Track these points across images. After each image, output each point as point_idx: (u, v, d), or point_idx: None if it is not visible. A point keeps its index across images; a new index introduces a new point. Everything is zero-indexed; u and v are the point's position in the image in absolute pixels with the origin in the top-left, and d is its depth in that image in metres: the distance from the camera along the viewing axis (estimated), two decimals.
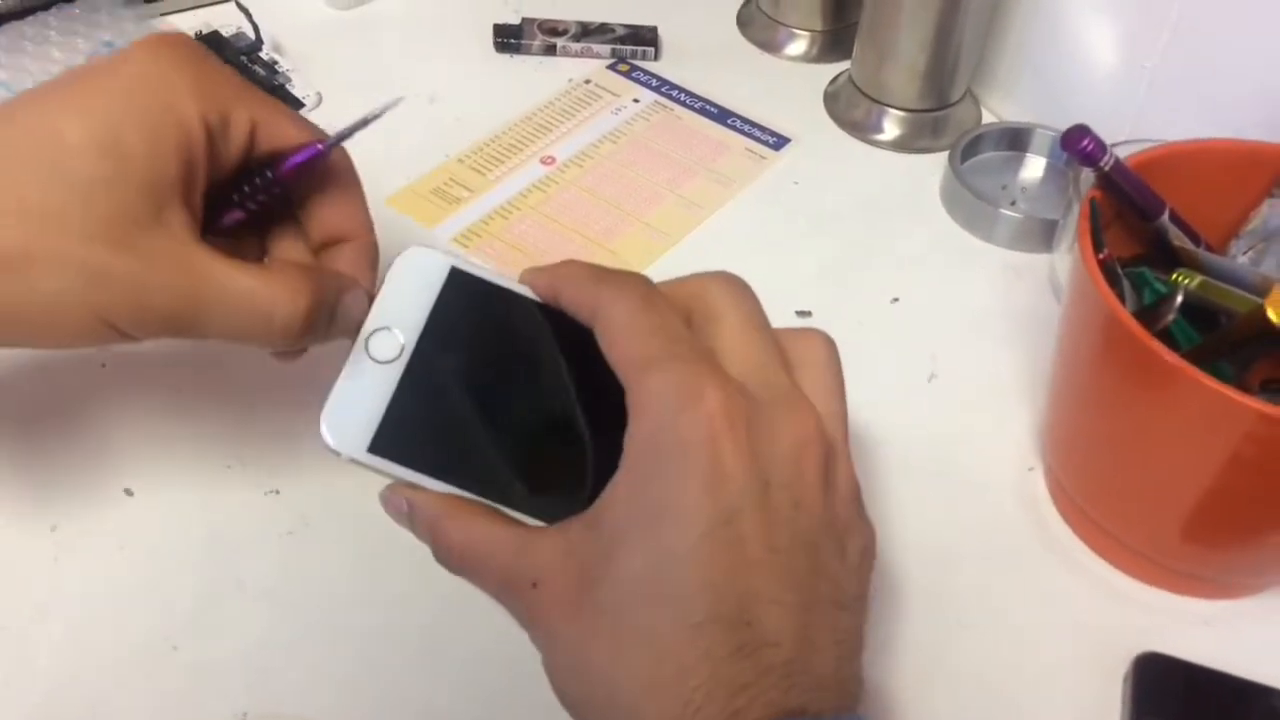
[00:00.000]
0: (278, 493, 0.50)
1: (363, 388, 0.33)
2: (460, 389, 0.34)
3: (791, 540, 0.31)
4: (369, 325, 0.34)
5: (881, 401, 0.52)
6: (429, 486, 0.34)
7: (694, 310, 0.34)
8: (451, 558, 0.34)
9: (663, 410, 0.30)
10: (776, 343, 0.34)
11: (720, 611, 0.29)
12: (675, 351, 0.32)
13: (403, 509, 0.34)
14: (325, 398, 0.33)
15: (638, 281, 0.34)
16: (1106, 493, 0.47)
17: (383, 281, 0.35)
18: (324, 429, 0.33)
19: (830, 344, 0.35)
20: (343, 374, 0.34)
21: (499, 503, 0.34)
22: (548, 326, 0.35)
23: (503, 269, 0.36)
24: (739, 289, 0.35)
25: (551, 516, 0.33)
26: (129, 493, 0.49)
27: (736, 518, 0.30)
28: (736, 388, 0.31)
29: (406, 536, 0.48)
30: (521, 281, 0.36)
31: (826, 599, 0.32)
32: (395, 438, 0.33)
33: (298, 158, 0.37)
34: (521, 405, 0.35)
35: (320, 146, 0.37)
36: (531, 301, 0.35)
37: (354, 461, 0.33)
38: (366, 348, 0.34)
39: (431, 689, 0.44)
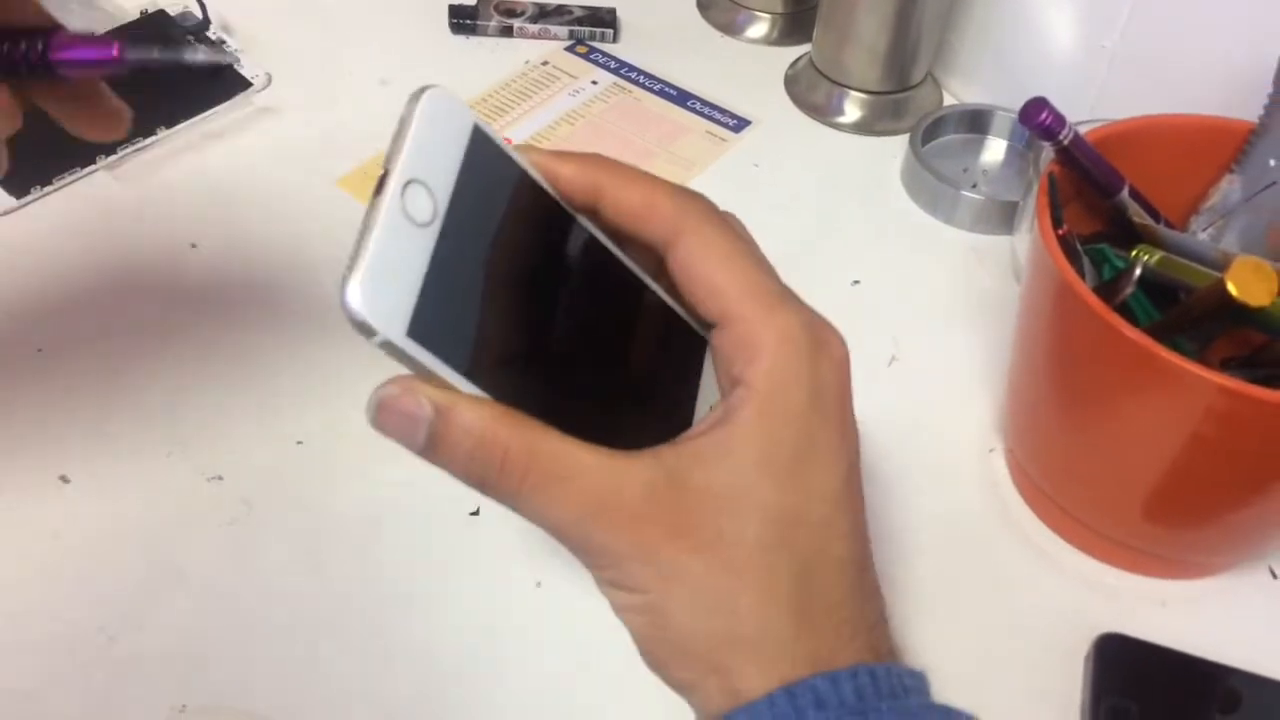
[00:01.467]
0: (220, 479, 0.48)
1: (398, 252, 0.25)
2: (493, 276, 0.28)
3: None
4: (400, 175, 0.26)
5: None
6: (462, 389, 0.27)
7: None
8: (509, 478, 0.28)
9: (797, 351, 0.30)
10: None
11: (857, 553, 0.30)
12: (789, 292, 0.31)
13: (422, 413, 0.27)
14: (353, 259, 0.24)
15: (714, 205, 0.32)
16: (1066, 472, 0.47)
17: (407, 124, 0.26)
18: (354, 296, 0.24)
19: None
20: (377, 230, 0.25)
21: (551, 421, 0.28)
22: (557, 220, 0.30)
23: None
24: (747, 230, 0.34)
25: (612, 443, 0.29)
26: (65, 480, 0.48)
27: (856, 465, 0.31)
28: (843, 338, 0.32)
29: (350, 523, 0.47)
30: (530, 161, 0.29)
31: None
32: (432, 322, 0.26)
33: (82, 53, 0.34)
34: (549, 311, 0.29)
35: (115, 54, 0.33)
36: (543, 189, 0.30)
37: (385, 345, 0.25)
38: (402, 202, 0.25)
39: (377, 680, 0.43)
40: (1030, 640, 0.46)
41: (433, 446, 0.27)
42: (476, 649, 0.44)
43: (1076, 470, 0.46)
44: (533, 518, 0.29)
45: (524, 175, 0.29)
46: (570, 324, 0.30)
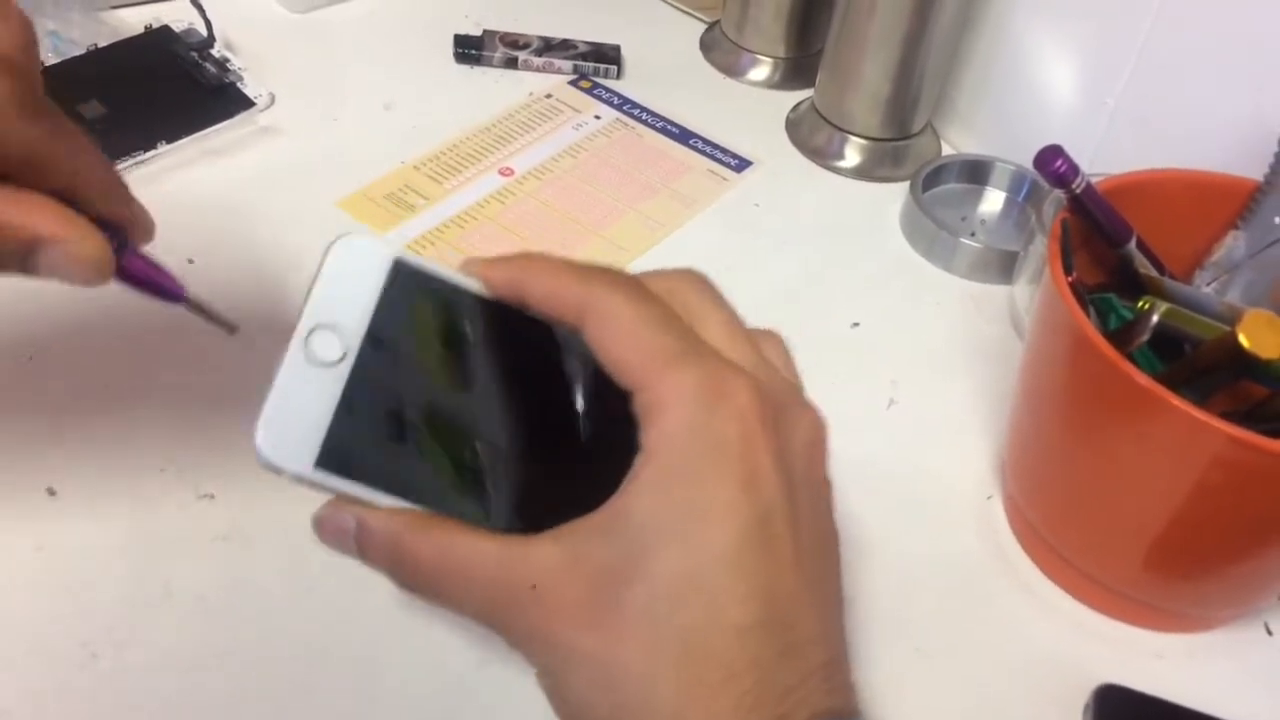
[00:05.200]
0: (212, 497, 0.47)
1: (303, 394, 0.29)
2: (413, 396, 0.31)
3: (812, 540, 0.31)
4: (305, 323, 0.30)
5: (840, 426, 0.51)
6: (381, 504, 0.30)
7: (674, 308, 0.32)
8: (421, 578, 0.30)
9: (693, 407, 0.29)
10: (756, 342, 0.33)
11: (766, 615, 0.29)
12: (693, 347, 0.30)
13: (348, 528, 0.30)
14: (259, 407, 0.29)
15: (626, 276, 0.32)
16: (1067, 519, 0.47)
17: (316, 274, 0.30)
18: (260, 441, 0.28)
19: (785, 344, 0.35)
20: (278, 379, 0.29)
21: (462, 519, 0.31)
22: (503, 324, 0.32)
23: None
24: (711, 288, 0.33)
25: (523, 529, 0.30)
26: (52, 492, 0.47)
27: (770, 517, 0.29)
28: (759, 385, 0.30)
29: None
30: (469, 273, 0.32)
31: (837, 601, 0.32)
32: (343, 451, 0.29)
33: (147, 276, 0.36)
34: (482, 412, 0.32)
35: (181, 295, 0.37)
36: (482, 297, 0.32)
37: (298, 479, 0.29)
38: (305, 349, 0.29)
39: (368, 706, 0.42)
40: (1027, 689, 0.45)
41: (362, 555, 0.31)
42: (472, 674, 0.43)
43: (1078, 517, 0.46)
44: (448, 609, 0.31)
45: (458, 290, 0.32)
46: (518, 417, 0.32)
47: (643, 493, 0.29)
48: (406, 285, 0.31)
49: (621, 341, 0.30)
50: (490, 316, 0.32)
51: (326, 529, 0.31)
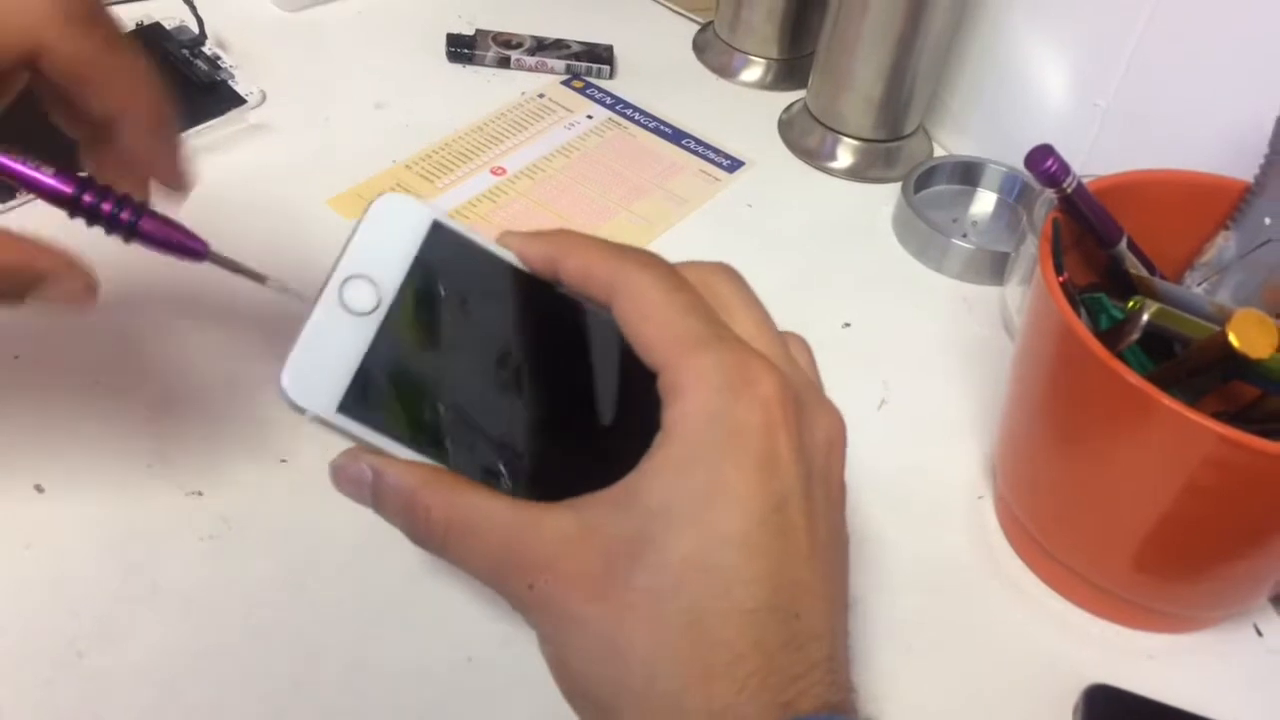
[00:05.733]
0: (200, 494, 0.47)
1: (333, 340, 0.29)
2: (441, 356, 0.31)
3: (826, 534, 0.31)
4: (341, 271, 0.30)
5: None
6: (400, 457, 0.30)
7: (706, 297, 0.32)
8: (434, 534, 0.30)
9: (715, 391, 0.29)
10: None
11: (774, 601, 0.29)
12: (719, 333, 0.30)
13: (364, 478, 0.30)
14: (289, 348, 0.29)
15: (659, 259, 0.32)
16: (1059, 519, 0.47)
17: (356, 227, 0.31)
18: (286, 380, 0.29)
19: (810, 349, 0.35)
20: (309, 323, 0.29)
21: (480, 480, 0.31)
22: (535, 296, 0.33)
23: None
24: (743, 283, 0.34)
25: (540, 499, 0.30)
26: (39, 489, 0.46)
27: (786, 505, 0.29)
28: (783, 376, 0.30)
29: (335, 545, 0.46)
30: (503, 245, 0.33)
31: (843, 598, 0.32)
32: (367, 399, 0.29)
33: (165, 235, 0.36)
34: (509, 380, 0.32)
35: (204, 252, 0.36)
36: (516, 268, 0.32)
37: (318, 421, 0.29)
38: (340, 296, 0.30)
39: (358, 705, 0.41)
40: (1017, 689, 0.45)
41: (376, 505, 0.31)
42: (462, 671, 0.43)
43: (1069, 518, 0.46)
44: (458, 566, 0.31)
45: (495, 259, 0.32)
46: (544, 388, 0.32)
47: (659, 472, 0.29)
48: (444, 248, 0.31)
49: (649, 321, 0.30)
50: (523, 287, 0.32)
51: (343, 477, 0.31)
